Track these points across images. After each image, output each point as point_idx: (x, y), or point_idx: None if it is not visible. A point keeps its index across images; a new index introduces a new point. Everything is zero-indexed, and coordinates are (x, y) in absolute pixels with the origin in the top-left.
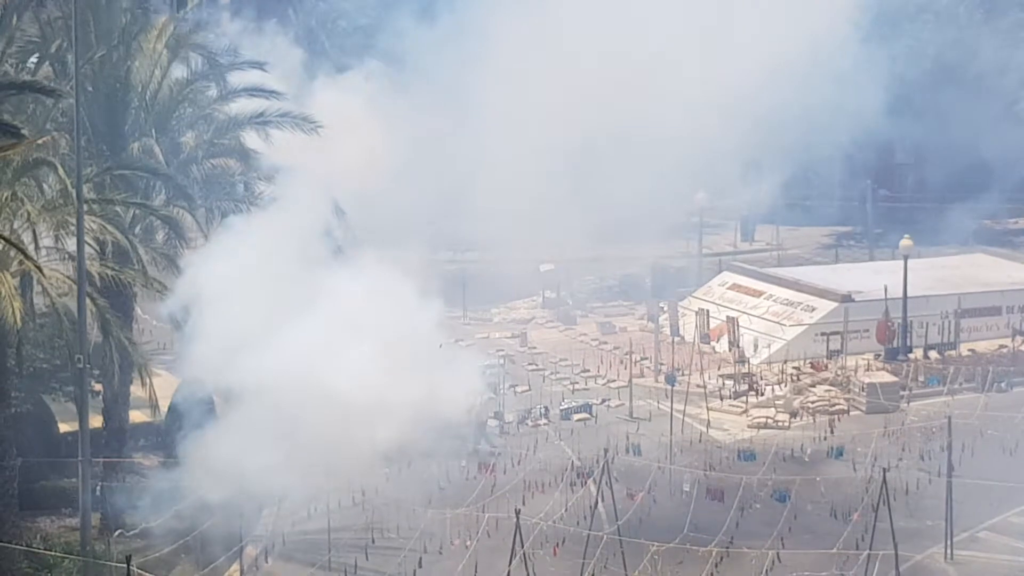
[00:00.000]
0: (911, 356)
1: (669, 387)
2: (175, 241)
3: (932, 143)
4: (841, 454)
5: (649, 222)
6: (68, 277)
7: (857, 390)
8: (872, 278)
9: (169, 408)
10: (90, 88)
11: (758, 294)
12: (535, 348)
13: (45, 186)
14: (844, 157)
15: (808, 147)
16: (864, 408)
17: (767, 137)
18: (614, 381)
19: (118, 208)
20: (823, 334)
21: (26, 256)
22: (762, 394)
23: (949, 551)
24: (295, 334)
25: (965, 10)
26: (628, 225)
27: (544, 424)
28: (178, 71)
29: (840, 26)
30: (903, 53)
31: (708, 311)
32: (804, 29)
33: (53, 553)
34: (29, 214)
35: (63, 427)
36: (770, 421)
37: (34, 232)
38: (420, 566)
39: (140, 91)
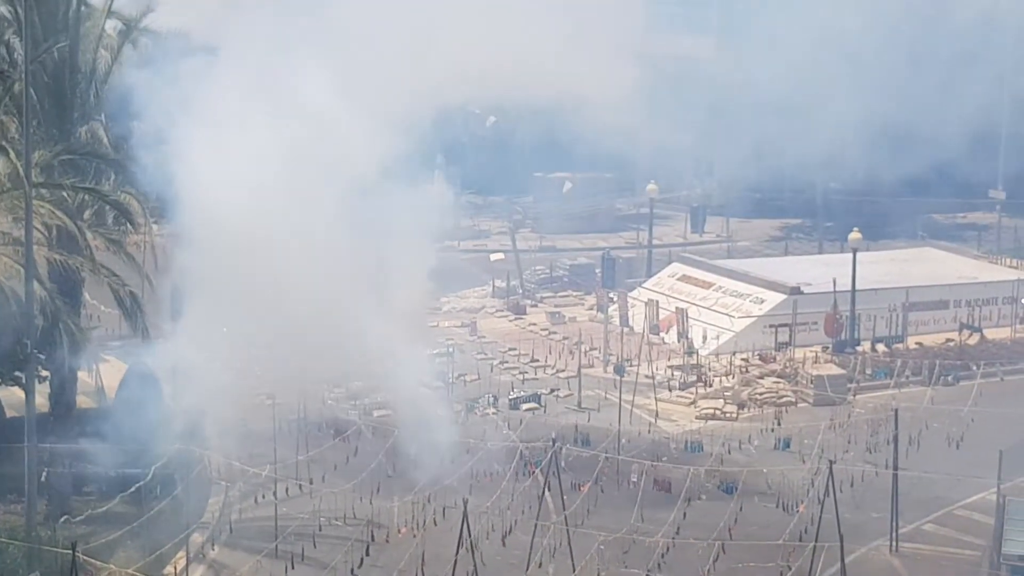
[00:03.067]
0: (859, 349)
1: (618, 377)
2: (124, 227)
3: (883, 137)
4: (788, 446)
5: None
6: (16, 262)
7: (805, 382)
8: (821, 271)
9: (116, 393)
10: (40, 72)
11: (707, 285)
12: (484, 337)
13: None
14: (795, 150)
15: (759, 141)
16: (811, 400)
17: (718, 130)
18: (563, 371)
19: (66, 193)
20: (772, 326)
21: None
22: (710, 385)
23: (894, 543)
24: None
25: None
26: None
27: (493, 413)
28: (130, 56)
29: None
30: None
31: (658, 302)
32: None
33: None
34: None
35: (9, 412)
36: (718, 412)
37: None
38: (367, 554)
39: (88, 75)
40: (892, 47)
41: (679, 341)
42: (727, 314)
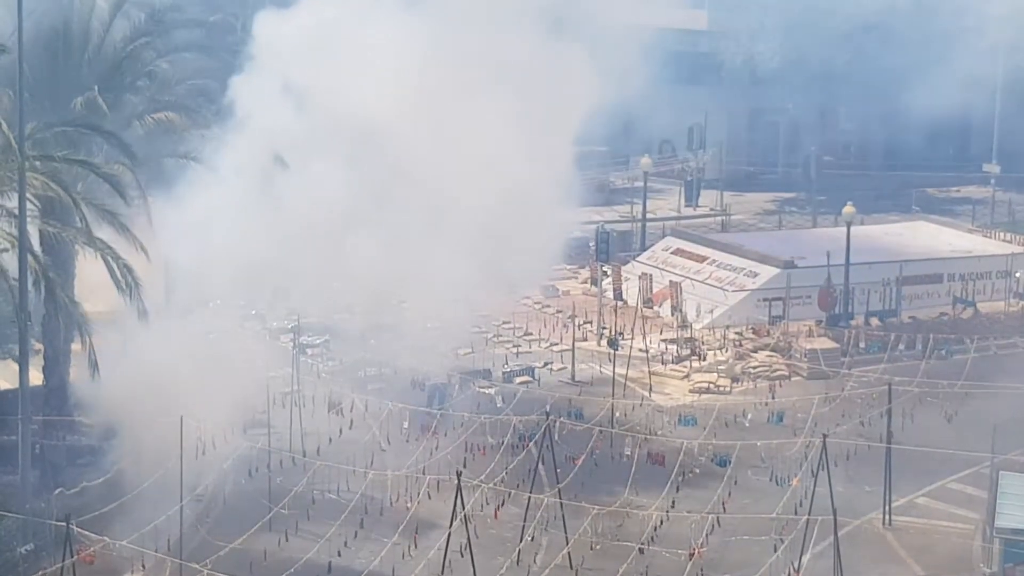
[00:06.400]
0: (852, 323)
1: (612, 351)
2: (117, 198)
3: (875, 111)
4: (781, 419)
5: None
6: (9, 234)
7: (798, 356)
8: (815, 245)
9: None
10: (33, 43)
11: (701, 259)
12: (478, 311)
13: None
14: (788, 124)
15: (753, 113)
16: (805, 374)
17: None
18: (557, 344)
19: (57, 164)
20: (765, 300)
21: None
22: (704, 359)
23: (887, 517)
24: None
25: None
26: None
27: (486, 387)
28: (122, 28)
29: None
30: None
31: (651, 276)
32: None
33: None
34: None
35: (2, 384)
36: (712, 386)
37: None
38: (361, 527)
39: (82, 46)
40: (886, 19)
41: (673, 315)
42: (721, 288)
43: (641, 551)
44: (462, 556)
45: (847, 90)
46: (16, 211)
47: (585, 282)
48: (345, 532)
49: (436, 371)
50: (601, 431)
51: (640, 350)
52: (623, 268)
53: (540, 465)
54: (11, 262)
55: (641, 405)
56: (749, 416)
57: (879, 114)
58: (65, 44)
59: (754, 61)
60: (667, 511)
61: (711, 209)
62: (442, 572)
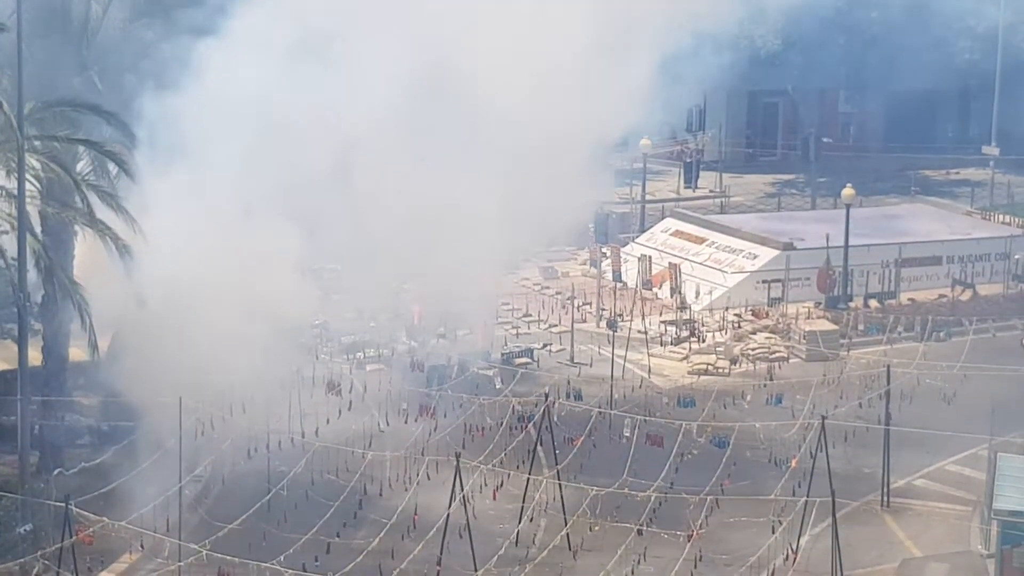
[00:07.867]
0: (851, 304)
1: (610, 332)
2: (121, 179)
3: (875, 93)
4: (780, 401)
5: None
6: (9, 215)
7: (797, 338)
8: (814, 227)
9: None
10: (33, 23)
11: (700, 241)
12: (479, 291)
13: None
14: (787, 105)
15: (752, 95)
16: (804, 356)
17: (711, 84)
18: (556, 326)
19: (56, 144)
20: (764, 281)
21: None
22: (703, 340)
23: (886, 498)
24: None
25: None
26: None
27: (485, 368)
28: (122, 8)
29: None
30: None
31: (651, 257)
32: None
33: None
34: None
35: (1, 365)
36: (710, 367)
37: None
38: (360, 508)
39: (82, 26)
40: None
41: (672, 296)
42: (720, 269)
43: (640, 532)
44: (460, 537)
45: (847, 72)
46: (15, 192)
47: (584, 264)
48: (345, 513)
49: (435, 352)
50: (600, 412)
51: (639, 331)
52: (622, 250)
53: (539, 446)
54: (10, 243)
55: (640, 386)
56: (748, 398)
57: (878, 96)
58: (64, 24)
59: (754, 43)
60: (666, 492)
61: (710, 191)
62: (440, 553)
